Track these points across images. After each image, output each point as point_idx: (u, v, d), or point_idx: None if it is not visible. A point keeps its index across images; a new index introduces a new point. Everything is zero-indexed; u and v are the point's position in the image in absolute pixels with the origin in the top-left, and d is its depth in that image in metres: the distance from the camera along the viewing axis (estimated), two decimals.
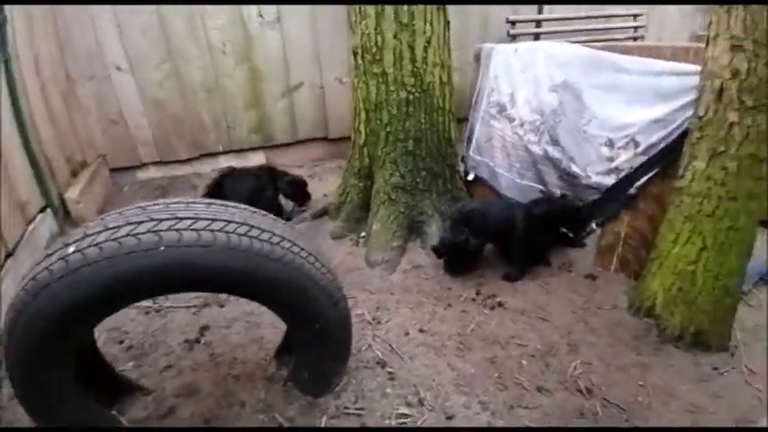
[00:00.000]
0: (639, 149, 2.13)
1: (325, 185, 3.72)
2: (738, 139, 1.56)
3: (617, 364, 1.81)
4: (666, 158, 2.03)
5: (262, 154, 3.94)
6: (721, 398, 1.66)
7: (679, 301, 1.86)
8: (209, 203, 1.29)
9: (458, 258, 2.40)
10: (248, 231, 1.21)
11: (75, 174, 3.04)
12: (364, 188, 2.83)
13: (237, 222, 1.21)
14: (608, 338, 1.95)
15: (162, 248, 1.08)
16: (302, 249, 1.32)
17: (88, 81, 3.24)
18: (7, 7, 2.40)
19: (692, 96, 1.82)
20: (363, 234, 2.79)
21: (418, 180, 2.68)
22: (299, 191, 3.10)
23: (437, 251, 2.39)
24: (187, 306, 2.20)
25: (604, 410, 1.62)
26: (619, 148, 2.19)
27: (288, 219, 3.02)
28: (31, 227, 2.39)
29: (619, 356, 1.85)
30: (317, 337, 1.42)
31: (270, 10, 3.40)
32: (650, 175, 2.16)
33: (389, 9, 2.36)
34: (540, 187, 2.67)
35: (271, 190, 2.97)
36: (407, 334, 2.00)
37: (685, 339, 1.86)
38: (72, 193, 2.80)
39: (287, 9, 3.43)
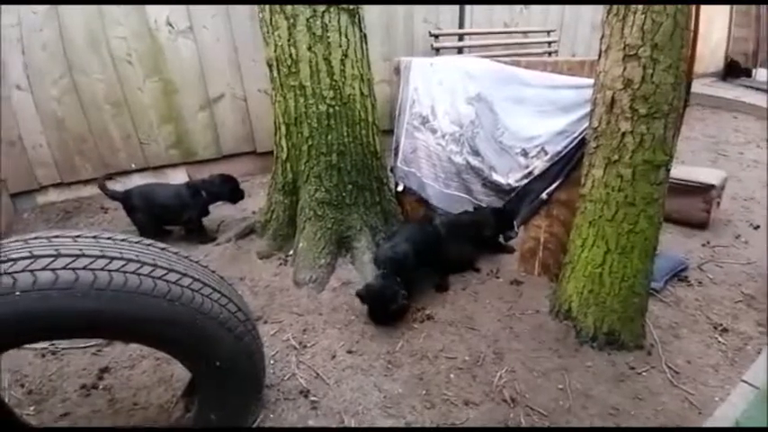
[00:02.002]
0: (547, 157, 2.23)
1: (255, 201, 3.55)
2: (631, 147, 1.65)
3: (540, 369, 1.84)
4: (569, 166, 2.13)
5: (183, 171, 3.69)
6: (642, 399, 1.72)
7: (591, 303, 1.94)
8: (77, 236, 1.13)
9: (383, 309, 2.10)
10: (123, 266, 1.06)
11: None
12: (290, 204, 2.71)
13: (110, 257, 1.07)
14: (531, 343, 1.99)
15: (17, 293, 0.92)
16: (194, 281, 1.19)
17: None
18: None
19: (587, 109, 1.93)
20: (291, 252, 2.67)
21: (344, 194, 2.62)
22: (231, 188, 2.91)
23: (361, 297, 2.13)
24: (87, 345, 1.95)
25: (527, 419, 1.64)
26: (532, 156, 2.28)
27: (212, 239, 2.83)
28: None
29: (541, 361, 1.89)
30: (220, 376, 1.29)
31: (180, 18, 3.20)
32: (558, 181, 2.25)
33: (301, 20, 2.29)
34: (466, 196, 2.72)
35: (193, 211, 2.77)
36: (334, 357, 1.92)
37: (599, 339, 1.94)
38: None
39: (200, 17, 3.25)
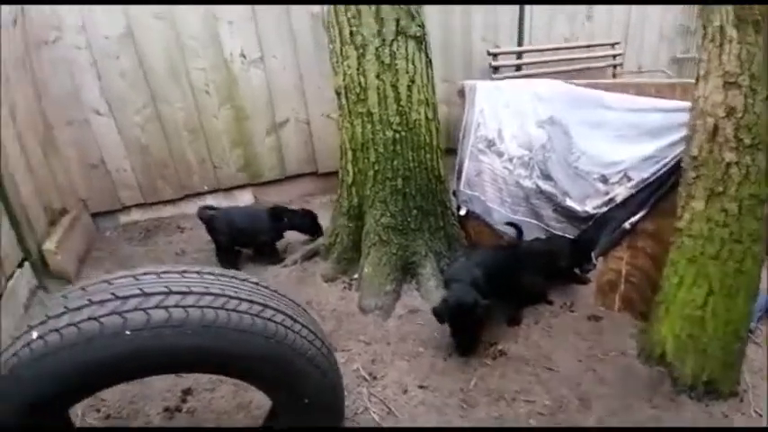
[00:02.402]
0: (631, 184, 2.09)
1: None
2: (737, 179, 1.51)
3: (632, 421, 1.69)
4: (657, 194, 1.98)
5: (249, 192, 3.86)
6: None
7: (690, 349, 1.77)
8: (184, 271, 1.19)
9: (468, 319, 1.99)
10: (225, 303, 1.10)
11: (53, 222, 2.91)
12: (355, 228, 2.74)
13: (213, 294, 1.11)
14: (619, 390, 1.84)
15: (127, 333, 0.97)
16: (286, 317, 1.21)
17: (66, 126, 3.16)
18: None
19: (680, 134, 1.79)
20: (356, 276, 2.69)
21: (409, 219, 2.60)
22: (310, 223, 3.04)
23: (438, 315, 2.03)
24: None
25: None
26: (613, 183, 2.14)
27: (280, 260, 2.92)
28: (10, 283, 2.26)
29: (632, 411, 1.73)
30: (304, 409, 1.29)
31: (252, 49, 3.38)
32: (644, 211, 2.10)
33: (371, 50, 2.34)
34: (535, 222, 2.61)
35: (270, 231, 2.88)
36: (406, 391, 1.88)
37: (698, 389, 1.76)
38: (50, 245, 2.67)
39: (269, 46, 3.42)
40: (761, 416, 1.67)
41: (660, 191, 1.97)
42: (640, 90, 2.01)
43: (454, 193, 3.00)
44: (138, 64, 3.17)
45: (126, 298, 1.03)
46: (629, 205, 2.14)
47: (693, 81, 1.75)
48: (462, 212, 2.98)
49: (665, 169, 1.91)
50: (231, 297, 1.13)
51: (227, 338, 1.07)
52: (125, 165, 3.37)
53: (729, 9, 1.41)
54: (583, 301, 2.44)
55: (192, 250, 3.15)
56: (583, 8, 4.63)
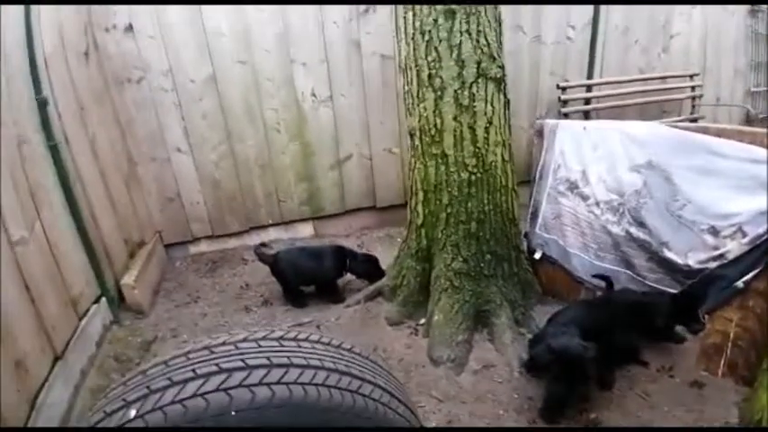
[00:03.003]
0: (746, 240, 1.86)
1: (375, 254, 3.58)
2: None
3: None
4: None
5: (310, 225, 3.89)
6: None
7: None
8: (281, 338, 1.13)
9: (571, 374, 1.76)
10: (326, 379, 1.03)
11: (132, 255, 3.05)
12: (422, 271, 2.64)
13: (314, 367, 1.04)
14: None
15: (233, 413, 0.91)
16: (384, 393, 1.12)
17: (150, 163, 3.35)
18: (47, 88, 2.31)
19: None
20: (423, 321, 2.57)
21: (482, 264, 2.47)
22: (372, 269, 2.94)
23: (540, 358, 1.82)
24: None
25: None
26: (725, 237, 1.91)
27: (342, 299, 2.86)
28: (83, 322, 2.30)
29: None
30: None
31: (323, 89, 3.47)
32: (759, 268, 1.85)
33: (449, 92, 2.29)
34: (625, 271, 2.39)
35: (333, 271, 2.86)
36: None
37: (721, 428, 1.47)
38: (128, 279, 2.77)
39: (339, 86, 3.49)
40: None
41: None
42: (755, 138, 1.80)
43: (526, 235, 2.84)
44: (218, 105, 3.34)
45: (231, 371, 0.98)
46: (741, 262, 1.90)
47: None
48: (537, 256, 2.80)
49: None
50: (331, 371, 1.06)
51: (327, 420, 0.99)
52: (198, 198, 3.51)
53: None
54: (682, 363, 2.16)
55: (256, 284, 3.18)
56: (659, 40, 4.41)
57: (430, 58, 2.31)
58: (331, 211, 3.87)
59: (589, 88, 4.30)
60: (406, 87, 2.50)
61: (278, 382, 0.98)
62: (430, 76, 2.32)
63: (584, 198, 2.46)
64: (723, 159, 1.87)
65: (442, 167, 2.43)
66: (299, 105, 3.45)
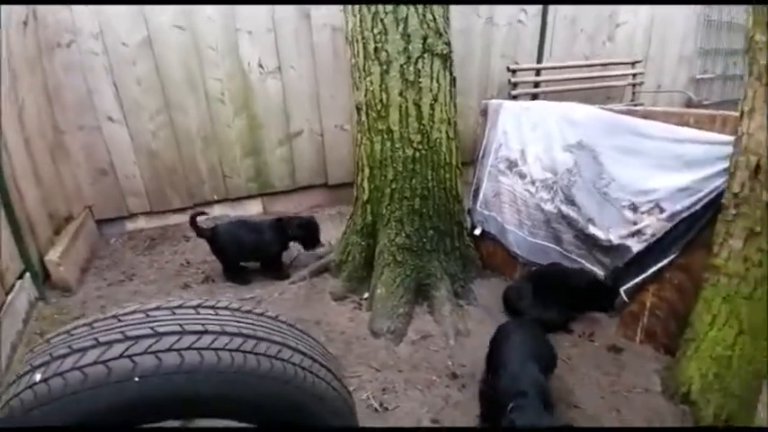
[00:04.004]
0: (664, 215, 2.00)
1: (325, 232, 3.54)
2: None
3: None
4: (695, 229, 1.89)
5: (259, 202, 3.80)
6: None
7: (715, 388, 1.69)
8: (198, 306, 1.11)
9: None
10: (242, 344, 1.02)
11: (58, 231, 2.85)
12: (367, 246, 2.66)
13: (230, 333, 1.03)
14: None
15: (136, 379, 0.89)
16: (305, 356, 1.12)
17: (78, 131, 3.11)
18: None
19: (719, 167, 1.72)
20: (366, 295, 2.60)
21: (425, 240, 2.52)
22: (310, 234, 2.87)
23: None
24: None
25: None
26: (642, 212, 2.06)
27: (287, 276, 2.83)
28: (10, 297, 2.17)
29: None
30: None
31: (270, 60, 3.34)
32: (681, 246, 2.00)
33: (395, 66, 2.28)
34: (554, 246, 2.53)
35: (276, 245, 2.80)
36: (419, 426, 1.78)
37: (718, 428, 1.67)
38: (53, 255, 2.59)
39: (287, 57, 3.37)
40: None
41: (695, 227, 1.87)
42: (680, 119, 1.92)
43: (469, 212, 2.93)
44: (154, 71, 3.14)
45: (137, 338, 0.95)
46: (663, 243, 2.05)
47: (732, 113, 1.69)
48: (477, 232, 2.90)
49: (700, 204, 1.83)
50: (248, 337, 1.05)
51: (243, 384, 0.99)
52: (134, 171, 3.32)
53: None
54: (603, 329, 2.34)
55: (198, 261, 3.08)
56: (605, 29, 4.58)
57: (376, 31, 2.27)
58: (281, 188, 3.79)
59: (538, 72, 4.43)
60: (353, 60, 2.46)
61: (188, 348, 0.95)
62: (376, 49, 2.29)
63: (522, 176, 2.56)
64: (648, 140, 1.99)
65: (388, 143, 2.43)
66: (246, 76, 3.31)
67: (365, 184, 2.58)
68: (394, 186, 2.48)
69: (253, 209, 3.75)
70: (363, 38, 2.32)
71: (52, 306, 2.55)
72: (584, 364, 2.11)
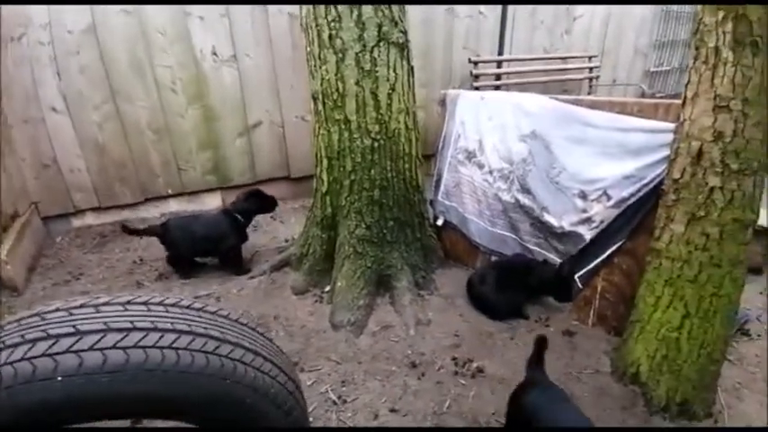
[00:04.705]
0: (611, 203, 2.06)
1: (288, 227, 3.50)
2: (720, 204, 1.49)
3: None
4: (640, 215, 1.96)
5: (218, 195, 3.68)
6: None
7: (664, 369, 1.75)
8: (127, 302, 1.04)
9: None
10: (174, 341, 0.96)
11: (6, 228, 2.65)
12: (328, 239, 2.62)
13: (162, 330, 0.97)
14: (594, 410, 1.79)
15: (59, 378, 0.83)
16: (246, 352, 1.08)
17: (23, 124, 2.90)
18: None
19: (661, 154, 1.78)
20: (328, 289, 2.56)
21: (385, 231, 2.51)
22: (260, 201, 2.81)
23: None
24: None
25: None
26: (592, 200, 2.11)
27: (247, 270, 2.76)
28: None
29: None
30: None
31: (225, 48, 3.21)
32: (628, 232, 2.07)
33: (351, 55, 2.23)
34: (512, 235, 2.57)
35: (232, 238, 2.71)
36: (377, 417, 1.77)
37: (671, 409, 1.74)
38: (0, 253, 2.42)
39: (243, 46, 3.26)
40: None
41: (640, 213, 1.94)
42: (624, 109, 1.98)
43: (431, 203, 2.94)
44: (98, 59, 2.96)
45: (59, 337, 0.89)
46: (611, 229, 2.11)
47: (675, 101, 1.75)
48: (440, 223, 2.92)
49: (644, 190, 1.89)
50: (182, 332, 1.00)
51: (175, 383, 0.94)
52: (79, 164, 3.13)
53: (728, 30, 1.37)
54: (558, 314, 2.41)
55: (152, 258, 2.95)
56: (563, 22, 4.69)
57: (330, 18, 2.22)
58: (241, 182, 3.67)
59: (499, 64, 4.49)
60: (308, 48, 2.40)
61: (113, 347, 0.90)
62: (330, 36, 2.24)
63: (481, 167, 2.58)
64: (595, 129, 2.05)
65: (346, 133, 2.39)
66: (198, 64, 3.18)
67: (324, 176, 2.54)
68: (353, 177, 2.44)
69: (212, 203, 3.62)
70: (317, 25, 2.26)
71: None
72: None
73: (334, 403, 1.84)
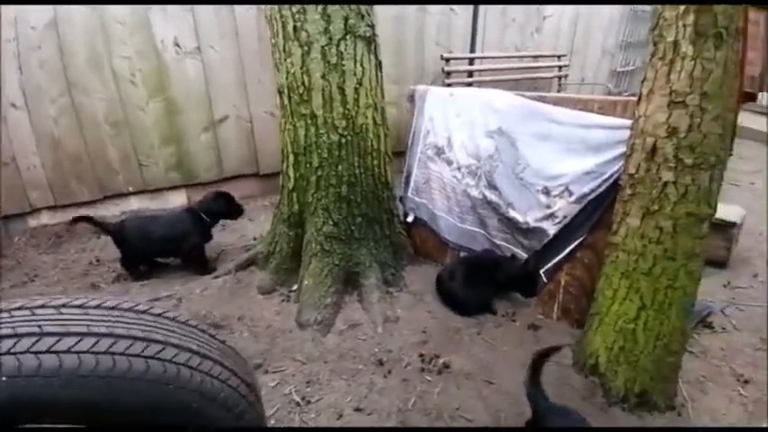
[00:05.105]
0: (573, 198, 2.10)
1: (257, 225, 3.42)
2: (673, 198, 1.52)
3: None
4: (600, 210, 2.00)
5: (183, 193, 3.56)
6: None
7: (622, 360, 1.79)
8: (62, 305, 0.98)
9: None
10: (111, 346, 0.91)
11: None
12: (295, 236, 2.57)
13: (96, 334, 0.91)
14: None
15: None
16: (193, 355, 1.03)
17: None
18: None
19: (619, 150, 1.82)
20: (295, 287, 2.52)
21: (353, 228, 2.48)
22: (226, 205, 2.73)
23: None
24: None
25: None
26: (554, 196, 2.14)
27: (212, 270, 2.67)
28: None
29: None
30: None
31: (188, 39, 3.10)
32: (589, 226, 2.11)
33: (316, 48, 2.19)
34: (481, 231, 2.59)
35: (194, 237, 2.62)
36: (341, 416, 1.75)
37: (630, 400, 1.78)
38: None
39: (208, 37, 3.15)
40: None
41: (601, 208, 1.98)
42: (585, 105, 2.01)
43: (401, 200, 2.92)
44: (57, 51, 2.83)
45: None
46: (573, 225, 2.15)
47: (632, 98, 1.78)
48: (410, 219, 2.91)
49: (604, 185, 1.93)
50: (120, 337, 0.95)
51: (112, 389, 0.88)
52: (35, 161, 2.97)
53: (689, 21, 1.37)
54: (524, 309, 2.43)
55: (109, 259, 2.82)
56: (533, 20, 4.75)
57: (294, 9, 2.16)
58: (207, 179, 3.57)
59: (471, 61, 4.51)
60: (273, 41, 2.34)
61: (47, 351, 0.84)
62: (295, 28, 2.19)
63: (449, 163, 2.58)
64: (559, 125, 2.07)
65: (312, 129, 2.34)
66: (159, 55, 3.06)
67: (290, 172, 2.48)
68: (320, 173, 2.40)
69: (176, 201, 3.50)
70: (282, 16, 2.20)
71: None
72: (505, 343, 2.18)
73: (298, 404, 1.80)
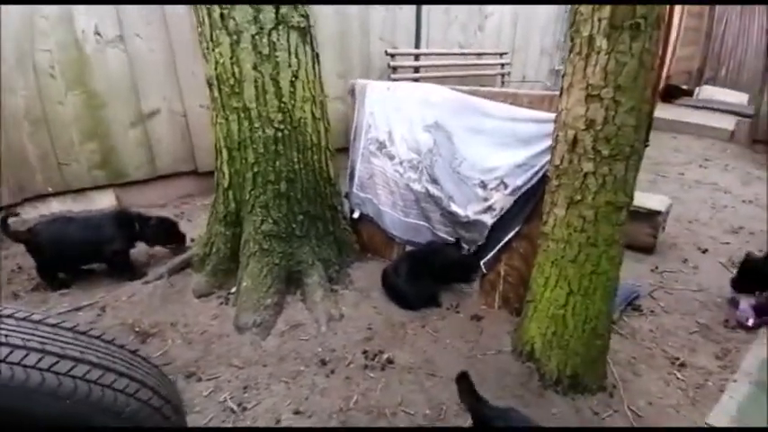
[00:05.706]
0: (507, 191, 2.15)
1: (195, 226, 3.24)
2: (594, 188, 1.59)
3: None
4: (533, 201, 2.06)
5: (111, 193, 3.30)
6: None
7: (554, 345, 1.86)
8: None
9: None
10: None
11: None
12: (232, 236, 2.46)
13: None
14: (495, 389, 1.87)
15: None
16: (93, 368, 0.94)
17: None
18: None
19: (547, 143, 1.87)
20: (233, 290, 2.41)
21: (294, 225, 2.40)
22: (169, 234, 2.61)
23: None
24: None
25: None
26: (491, 189, 2.19)
27: (142, 275, 2.49)
28: None
29: None
30: None
31: (109, 27, 2.86)
32: (523, 217, 2.17)
33: (246, 37, 2.08)
34: (425, 224, 2.60)
35: (118, 242, 2.42)
36: (279, 421, 1.68)
37: (563, 383, 1.86)
38: None
39: (132, 25, 2.92)
40: (639, 415, 1.75)
41: (533, 200, 2.04)
42: (516, 100, 2.07)
43: (347, 196, 2.88)
44: None
45: None
46: (509, 216, 2.20)
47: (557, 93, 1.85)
48: (356, 215, 2.87)
49: (535, 178, 1.99)
50: (15, 347, 0.84)
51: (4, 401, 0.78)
52: None
53: (605, 15, 1.41)
54: (468, 301, 2.47)
55: (30, 266, 2.55)
56: (476, 18, 4.86)
57: None
58: (138, 177, 3.33)
59: (417, 57, 4.54)
60: (199, 29, 2.20)
61: None
62: (222, 16, 2.07)
63: (391, 158, 2.57)
64: (491, 119, 2.12)
65: (245, 122, 2.24)
66: (80, 46, 2.81)
67: (225, 168, 2.36)
68: (256, 170, 2.30)
69: (103, 201, 3.24)
70: (207, 2, 2.08)
71: None
72: (448, 335, 2.21)
73: (233, 411, 1.72)
